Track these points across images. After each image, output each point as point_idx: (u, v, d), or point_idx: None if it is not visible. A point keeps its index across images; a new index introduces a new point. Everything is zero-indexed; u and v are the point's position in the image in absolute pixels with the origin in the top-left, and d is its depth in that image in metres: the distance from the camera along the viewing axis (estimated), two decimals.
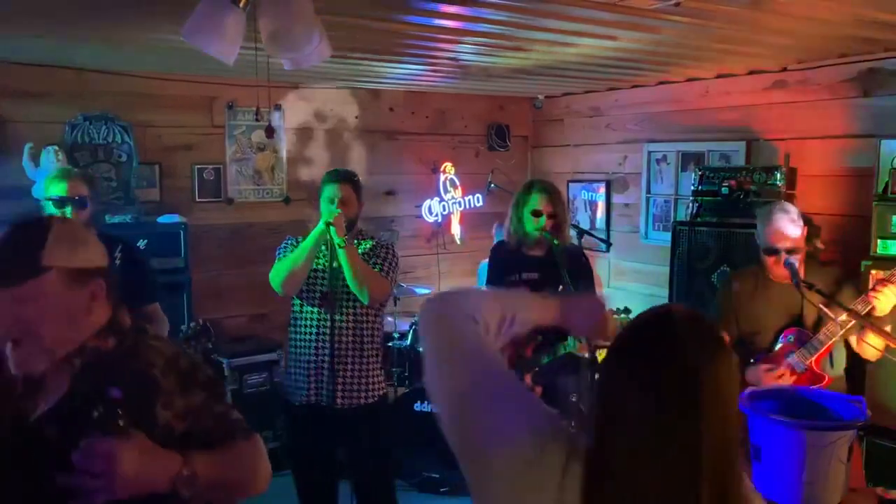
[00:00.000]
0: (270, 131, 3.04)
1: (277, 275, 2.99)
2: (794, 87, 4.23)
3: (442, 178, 5.69)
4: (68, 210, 2.82)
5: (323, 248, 3.01)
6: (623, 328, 1.09)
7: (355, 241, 3.08)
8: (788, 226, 2.78)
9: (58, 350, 1.39)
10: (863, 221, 3.61)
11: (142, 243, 3.79)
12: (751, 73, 4.40)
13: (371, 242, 3.15)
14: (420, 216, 5.64)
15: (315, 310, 3.04)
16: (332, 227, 2.91)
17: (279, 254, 3.12)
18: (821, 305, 2.71)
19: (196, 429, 1.43)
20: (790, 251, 2.77)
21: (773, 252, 2.81)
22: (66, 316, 1.39)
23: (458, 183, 5.76)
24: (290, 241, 3.14)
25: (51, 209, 2.84)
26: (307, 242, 2.99)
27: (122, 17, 2.91)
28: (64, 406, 1.38)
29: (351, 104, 5.30)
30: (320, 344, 3.01)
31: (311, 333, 3.03)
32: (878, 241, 3.41)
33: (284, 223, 4.71)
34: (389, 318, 4.86)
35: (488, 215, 5.53)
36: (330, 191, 3.03)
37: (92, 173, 3.08)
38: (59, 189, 2.84)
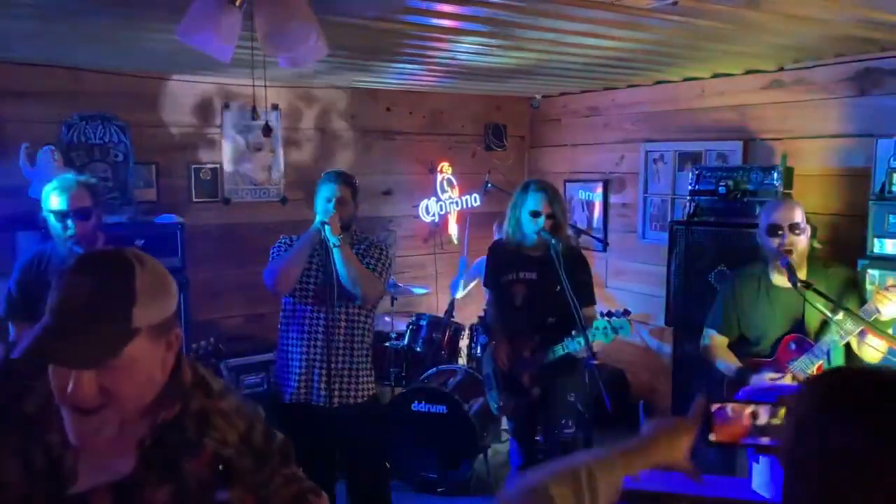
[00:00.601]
0: (267, 131, 3.03)
1: (271, 273, 2.99)
2: (790, 87, 4.23)
3: (439, 177, 5.69)
4: (71, 223, 2.75)
5: (318, 247, 3.01)
6: (819, 383, 1.02)
7: (349, 243, 3.08)
8: (791, 207, 2.84)
9: (130, 418, 1.16)
10: (859, 221, 3.61)
11: (139, 243, 3.77)
12: (748, 72, 4.40)
13: (365, 243, 3.14)
14: (417, 216, 5.64)
15: (308, 308, 3.03)
16: (327, 226, 2.91)
17: (274, 252, 3.11)
18: (820, 306, 2.71)
19: (270, 499, 1.28)
20: (793, 227, 2.79)
21: (776, 230, 2.81)
22: (146, 377, 1.17)
23: (455, 183, 5.76)
24: (284, 241, 3.14)
25: (53, 222, 2.79)
26: (302, 241, 2.99)
27: (118, 17, 2.90)
28: (120, 483, 1.16)
29: (348, 104, 5.29)
30: (312, 343, 3.01)
31: (302, 332, 3.03)
32: (875, 240, 3.41)
33: (281, 223, 4.70)
34: (387, 318, 4.85)
35: (486, 215, 5.53)
36: (328, 190, 3.03)
37: (93, 180, 3.01)
38: (60, 202, 2.76)
